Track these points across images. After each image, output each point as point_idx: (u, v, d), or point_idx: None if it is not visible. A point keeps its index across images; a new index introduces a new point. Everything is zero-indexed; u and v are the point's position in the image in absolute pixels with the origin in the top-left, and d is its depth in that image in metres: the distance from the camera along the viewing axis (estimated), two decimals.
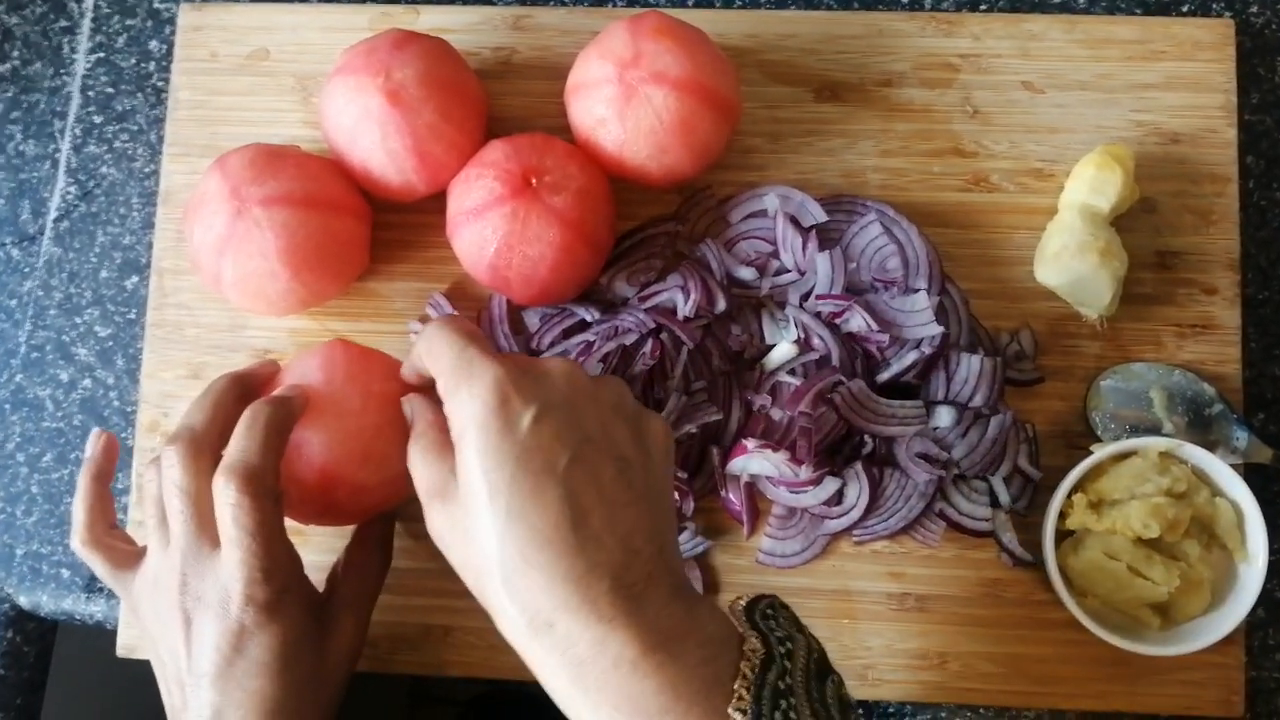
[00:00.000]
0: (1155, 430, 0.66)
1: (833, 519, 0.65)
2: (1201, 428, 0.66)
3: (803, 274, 0.67)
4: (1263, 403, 0.69)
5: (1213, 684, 0.65)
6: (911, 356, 0.63)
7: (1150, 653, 0.61)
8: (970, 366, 0.63)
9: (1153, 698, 0.65)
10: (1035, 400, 0.68)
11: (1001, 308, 0.68)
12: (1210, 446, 0.65)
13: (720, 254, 0.67)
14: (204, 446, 0.56)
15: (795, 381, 0.65)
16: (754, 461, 0.64)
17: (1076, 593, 0.62)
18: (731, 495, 0.66)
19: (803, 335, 0.66)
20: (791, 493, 0.65)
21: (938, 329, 0.63)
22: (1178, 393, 0.66)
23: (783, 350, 0.66)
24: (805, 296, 0.67)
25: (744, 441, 0.64)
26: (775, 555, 0.66)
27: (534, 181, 0.63)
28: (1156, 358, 0.67)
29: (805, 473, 0.63)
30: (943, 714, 0.67)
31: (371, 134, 0.65)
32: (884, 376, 0.64)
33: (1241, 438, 0.65)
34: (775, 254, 0.68)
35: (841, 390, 0.63)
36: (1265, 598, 0.65)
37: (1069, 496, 0.63)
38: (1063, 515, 0.63)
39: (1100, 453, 0.63)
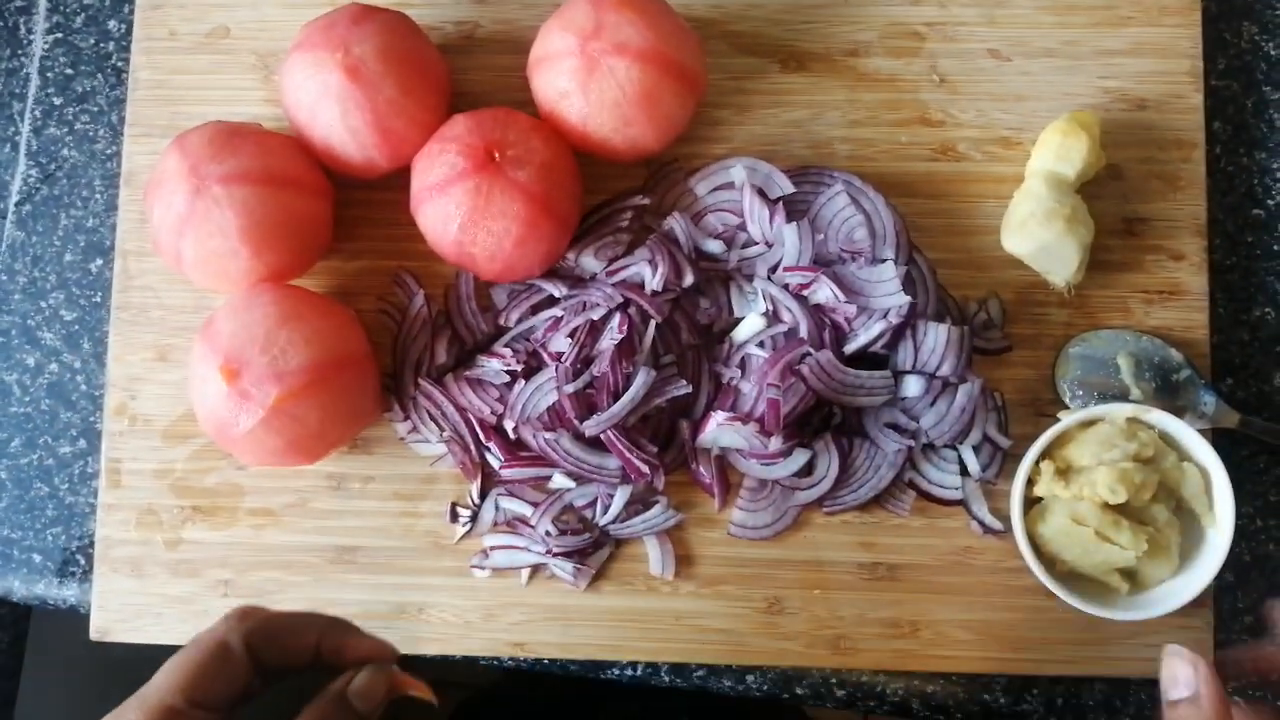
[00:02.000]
0: (1123, 397, 0.65)
1: (803, 490, 0.64)
2: (1169, 393, 0.65)
3: (770, 246, 0.65)
4: (1230, 368, 0.68)
5: (1181, 643, 0.64)
6: (879, 327, 0.62)
7: (1118, 618, 0.61)
8: (937, 336, 0.62)
9: (1123, 662, 0.65)
10: (1003, 369, 0.67)
11: (969, 277, 0.67)
12: (1178, 412, 0.64)
13: (688, 227, 0.66)
14: None
15: (764, 354, 0.64)
16: (724, 434, 0.63)
17: (1045, 559, 0.62)
18: (702, 468, 0.65)
19: (771, 308, 0.65)
20: (762, 465, 0.64)
21: (905, 299, 0.62)
22: (1145, 359, 0.65)
23: (751, 323, 0.65)
24: (773, 269, 0.65)
25: (713, 414, 0.63)
26: (746, 527, 0.65)
27: (497, 156, 0.61)
28: (1124, 324, 0.66)
29: (775, 445, 0.62)
30: (915, 682, 0.67)
31: (331, 110, 0.63)
32: (852, 347, 0.63)
33: (1209, 402, 0.64)
34: (743, 226, 0.66)
35: (809, 362, 0.62)
36: (1233, 561, 0.65)
37: (1036, 464, 0.62)
38: (1031, 483, 0.62)
39: (1067, 419, 0.62)
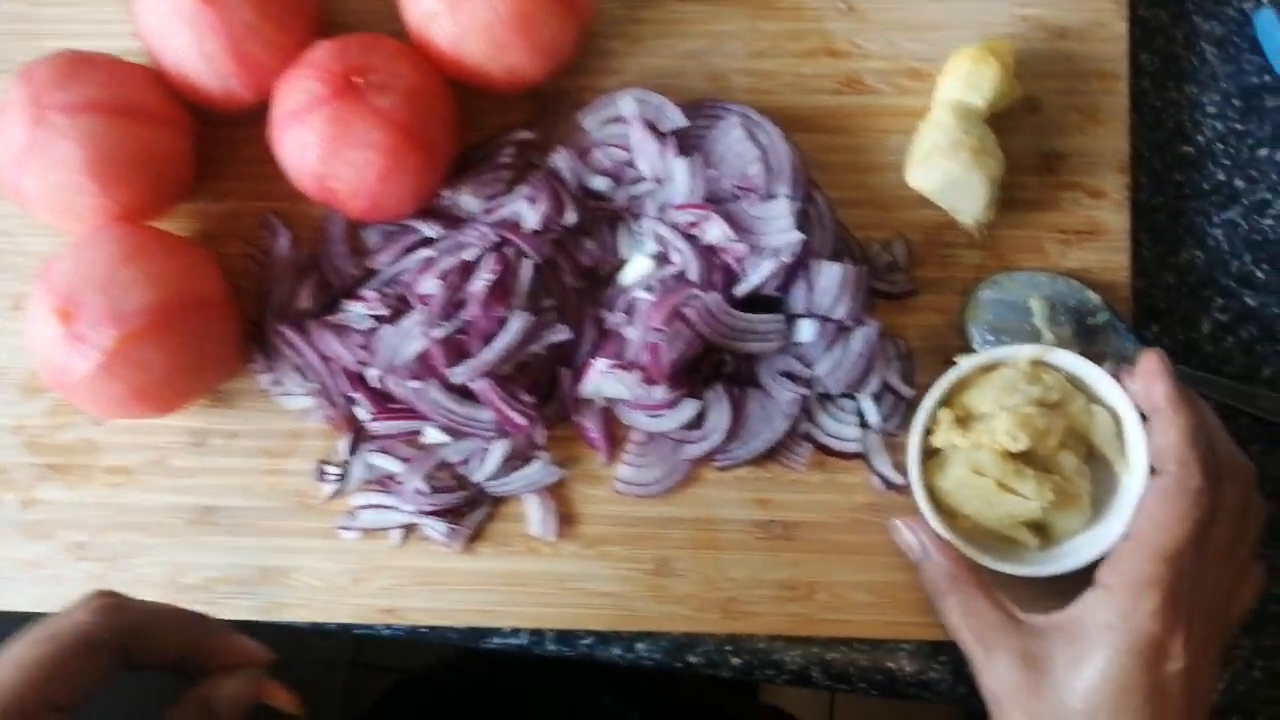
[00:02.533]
0: (1036, 342, 0.60)
1: (693, 444, 0.60)
2: (1086, 338, 0.60)
3: (661, 183, 0.61)
4: (1156, 313, 0.64)
5: None
6: (769, 266, 0.58)
7: (1026, 574, 0.56)
8: (832, 276, 0.58)
9: (1048, 603, 0.60)
10: (910, 314, 0.62)
11: (874, 217, 0.62)
12: (1097, 359, 0.59)
13: (574, 163, 0.61)
14: None
15: (652, 299, 0.59)
16: (606, 383, 0.59)
17: (946, 514, 0.57)
18: (587, 421, 0.60)
19: (660, 249, 0.60)
20: (649, 416, 0.60)
21: (797, 236, 0.57)
22: (1059, 301, 0.61)
23: (638, 265, 0.60)
24: (664, 208, 0.61)
25: (594, 361, 0.59)
26: (634, 483, 0.61)
27: (358, 81, 0.56)
28: (1039, 266, 0.62)
29: (660, 394, 0.58)
30: (815, 649, 0.62)
31: (183, 35, 0.58)
32: (743, 289, 0.58)
33: (1130, 348, 0.60)
34: (632, 163, 0.61)
35: (695, 304, 0.57)
36: None
37: (935, 412, 0.57)
38: (930, 433, 0.58)
39: (965, 364, 0.57)
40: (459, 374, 0.57)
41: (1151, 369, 0.54)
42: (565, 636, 0.62)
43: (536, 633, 0.62)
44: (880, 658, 0.62)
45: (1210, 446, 0.53)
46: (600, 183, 0.61)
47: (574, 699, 0.78)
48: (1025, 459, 0.56)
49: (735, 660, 0.62)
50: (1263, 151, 0.65)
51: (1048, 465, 0.57)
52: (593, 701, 0.78)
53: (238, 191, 0.64)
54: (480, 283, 0.58)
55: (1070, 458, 0.57)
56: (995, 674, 0.53)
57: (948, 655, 0.61)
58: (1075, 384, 0.58)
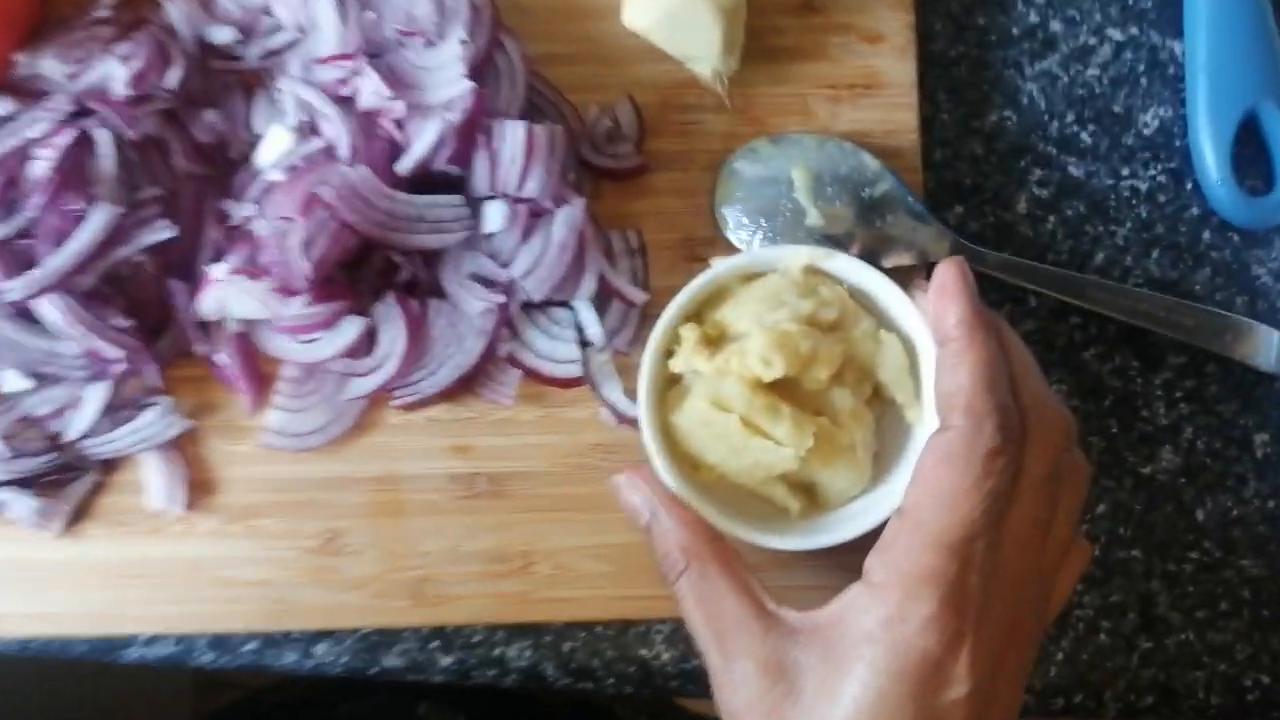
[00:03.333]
0: (801, 225, 0.47)
1: (362, 376, 0.45)
2: (867, 217, 0.47)
3: (305, 33, 0.46)
4: (960, 192, 0.51)
5: None
6: (434, 129, 0.43)
7: (782, 546, 0.43)
8: (515, 139, 0.43)
9: (820, 591, 0.47)
10: (643, 197, 0.48)
11: (593, 75, 0.48)
12: (883, 245, 0.46)
13: (192, 13, 0.46)
14: None
15: (284, 179, 0.44)
16: (230, 297, 0.44)
17: (686, 463, 0.43)
18: (219, 353, 0.46)
19: (305, 117, 0.46)
20: (297, 342, 0.45)
21: (466, 86, 0.43)
22: (827, 170, 0.47)
23: (276, 140, 0.45)
24: (310, 65, 0.46)
25: (211, 269, 0.44)
26: (288, 434, 0.46)
27: None
28: (804, 129, 0.49)
29: (299, 308, 0.43)
30: (547, 638, 0.48)
31: None
32: (407, 163, 0.44)
33: (925, 232, 0.47)
34: (268, 10, 0.47)
35: (336, 182, 0.43)
36: None
37: (676, 328, 0.44)
38: (672, 355, 0.44)
39: (720, 267, 0.44)
40: (16, 290, 0.42)
41: (943, 283, 0.40)
42: (219, 642, 0.47)
43: (186, 639, 0.47)
44: (630, 645, 0.48)
45: (1011, 390, 0.39)
46: (225, 35, 0.46)
47: (388, 709, 0.63)
48: (785, 394, 0.42)
49: (445, 660, 0.48)
50: None
51: (817, 404, 0.43)
52: (408, 713, 0.63)
53: None
54: (42, 165, 0.42)
55: (846, 396, 0.43)
56: (733, 687, 0.38)
57: None
58: (864, 303, 0.44)
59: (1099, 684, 0.48)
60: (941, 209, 0.50)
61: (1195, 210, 0.51)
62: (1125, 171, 0.51)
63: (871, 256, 0.46)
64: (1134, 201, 0.51)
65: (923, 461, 0.38)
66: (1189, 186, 0.51)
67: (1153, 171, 0.51)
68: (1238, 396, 0.50)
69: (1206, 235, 0.51)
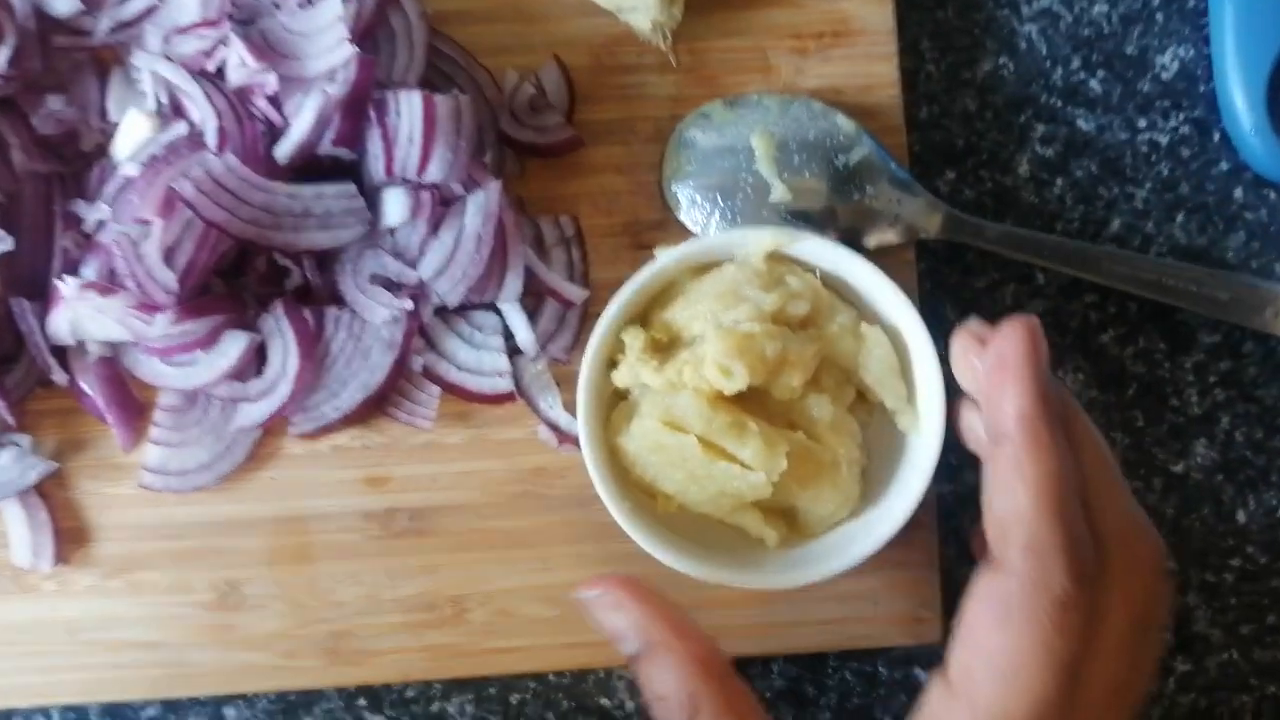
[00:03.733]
0: (767, 204, 0.39)
1: (251, 402, 0.38)
2: (841, 190, 0.40)
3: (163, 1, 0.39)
4: (951, 155, 0.44)
5: (896, 597, 0.40)
6: (314, 105, 0.36)
7: (760, 586, 0.36)
8: (412, 113, 0.36)
9: (804, 631, 0.41)
10: (578, 177, 0.41)
11: (512, 34, 0.41)
12: (863, 220, 0.39)
13: None
14: None
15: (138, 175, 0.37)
16: (85, 318, 0.37)
17: (640, 493, 0.36)
18: (83, 381, 0.39)
19: (167, 99, 0.39)
20: (171, 365, 0.38)
21: (348, 52, 0.36)
22: (794, 135, 0.40)
23: (133, 127, 0.38)
24: (170, 37, 0.39)
25: (58, 284, 0.37)
26: (170, 473, 0.39)
27: None
28: (764, 89, 0.41)
29: (167, 326, 0.36)
30: (490, 689, 0.42)
31: None
32: (286, 148, 0.37)
33: (904, 199, 0.40)
34: None
35: (195, 174, 0.35)
36: (949, 472, 0.41)
37: (617, 332, 0.37)
38: (615, 365, 0.37)
39: (665, 258, 0.37)
40: None
41: (1003, 356, 0.31)
42: (116, 710, 0.41)
43: (77, 709, 0.41)
44: (588, 694, 0.41)
45: (1087, 512, 0.30)
46: (67, 5, 0.38)
47: None
48: (752, 407, 0.36)
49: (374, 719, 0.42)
50: None
51: (791, 416, 0.36)
52: None
53: None
54: None
55: (824, 405, 0.36)
56: None
57: None
58: (841, 292, 0.37)
59: None
60: (930, 176, 0.43)
61: (1225, 165, 0.44)
62: (1142, 123, 0.44)
63: (850, 236, 0.40)
64: (1153, 158, 0.44)
65: (971, 613, 0.30)
66: (1216, 138, 0.44)
67: (1174, 122, 0.44)
68: None
69: (1239, 193, 0.44)
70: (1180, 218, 0.44)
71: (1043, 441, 0.29)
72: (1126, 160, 0.44)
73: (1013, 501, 0.29)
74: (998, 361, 0.30)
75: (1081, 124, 0.44)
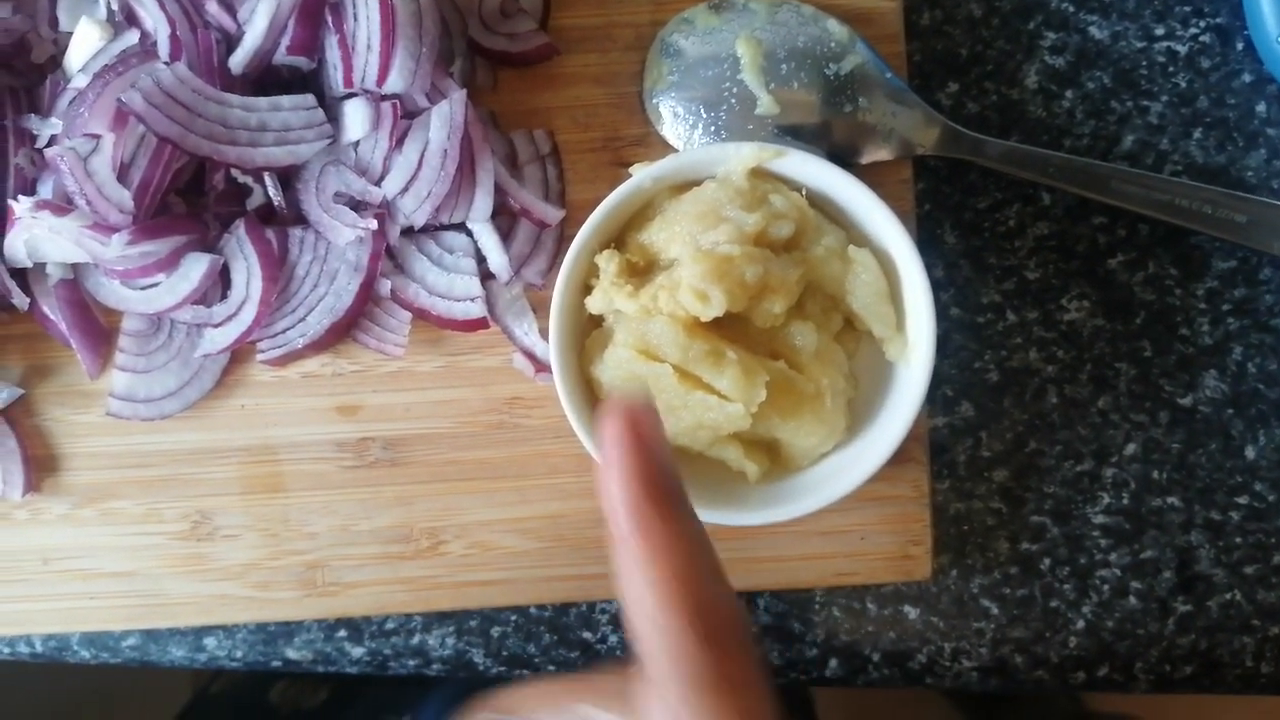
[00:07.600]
0: (753, 117, 0.36)
1: (216, 326, 0.36)
2: (833, 102, 0.36)
3: None
4: (954, 65, 0.40)
5: (884, 533, 0.38)
6: (267, 9, 0.33)
7: (742, 523, 0.33)
8: (369, 18, 0.33)
9: (789, 567, 0.38)
10: (553, 88, 0.37)
11: None
12: (855, 137, 0.36)
13: None
14: None
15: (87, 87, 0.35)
16: (41, 239, 0.34)
17: None
18: (44, 305, 0.37)
19: (118, 7, 0.36)
20: (133, 288, 0.36)
21: None
22: (782, 42, 0.36)
23: (85, 36, 0.35)
24: None
25: (12, 204, 0.35)
26: (137, 400, 0.37)
27: None
28: None
29: (123, 246, 0.34)
30: (472, 622, 0.40)
31: None
32: (240, 56, 0.34)
33: (901, 112, 0.36)
34: None
35: (144, 86, 0.32)
36: (947, 403, 0.38)
37: (590, 255, 0.34)
38: (590, 289, 0.35)
39: (641, 175, 0.33)
40: None
41: (604, 439, 0.25)
42: (96, 639, 0.40)
43: (58, 638, 0.39)
44: (570, 627, 0.39)
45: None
46: None
47: (243, 697, 0.55)
48: (732, 334, 0.33)
49: (356, 650, 0.39)
50: None
51: (773, 345, 0.33)
52: (260, 702, 0.55)
53: None
54: None
55: (809, 332, 0.33)
56: None
57: None
58: (829, 212, 0.34)
59: (1128, 654, 0.39)
60: (930, 88, 0.39)
61: (1247, 76, 0.40)
62: (1159, 30, 0.40)
63: (841, 152, 0.36)
64: (1171, 68, 0.40)
65: None
66: (1240, 47, 0.40)
67: (1194, 29, 0.40)
68: None
69: (1262, 108, 0.40)
70: (1198, 134, 0.40)
71: (657, 540, 0.24)
72: (1142, 71, 0.39)
73: (644, 609, 0.25)
74: (602, 450, 0.25)
75: (1094, 31, 0.39)
